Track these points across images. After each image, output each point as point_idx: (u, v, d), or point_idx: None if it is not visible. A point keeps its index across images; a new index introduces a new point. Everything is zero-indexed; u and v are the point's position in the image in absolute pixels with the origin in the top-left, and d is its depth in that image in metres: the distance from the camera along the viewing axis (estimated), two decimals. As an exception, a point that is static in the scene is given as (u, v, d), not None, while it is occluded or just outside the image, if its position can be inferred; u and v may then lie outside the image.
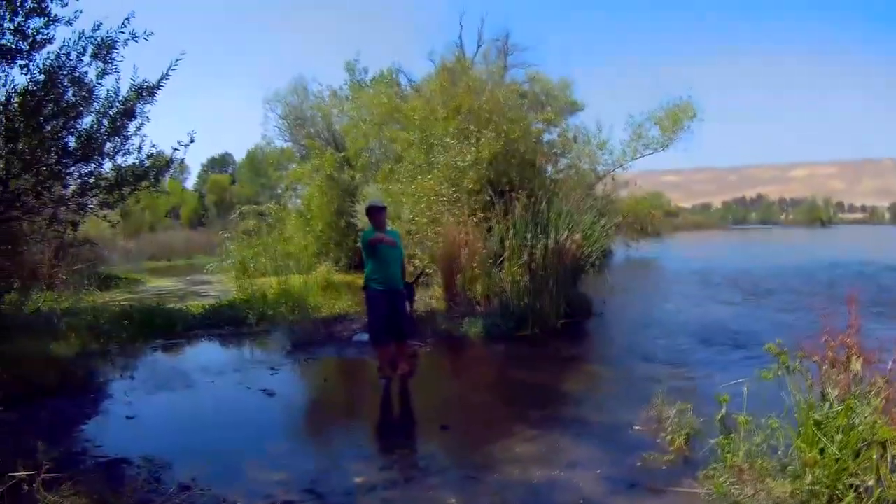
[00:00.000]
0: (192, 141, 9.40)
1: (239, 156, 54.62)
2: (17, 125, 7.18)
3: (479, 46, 24.09)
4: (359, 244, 8.54)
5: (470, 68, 16.00)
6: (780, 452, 4.79)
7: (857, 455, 4.23)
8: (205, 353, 9.94)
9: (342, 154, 18.83)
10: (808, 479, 4.34)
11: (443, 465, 5.36)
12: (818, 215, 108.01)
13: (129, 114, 8.30)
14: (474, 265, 11.38)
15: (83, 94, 7.73)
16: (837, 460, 4.24)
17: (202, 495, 4.61)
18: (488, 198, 12.53)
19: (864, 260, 26.62)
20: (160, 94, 8.63)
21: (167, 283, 18.12)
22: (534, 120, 16.53)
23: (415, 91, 17.20)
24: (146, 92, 8.36)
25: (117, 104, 8.12)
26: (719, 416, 5.22)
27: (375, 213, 7.92)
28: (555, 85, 19.98)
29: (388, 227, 8.45)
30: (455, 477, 5.07)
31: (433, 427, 6.39)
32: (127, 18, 7.80)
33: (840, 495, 4.17)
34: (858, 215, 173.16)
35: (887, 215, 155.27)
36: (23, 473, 4.23)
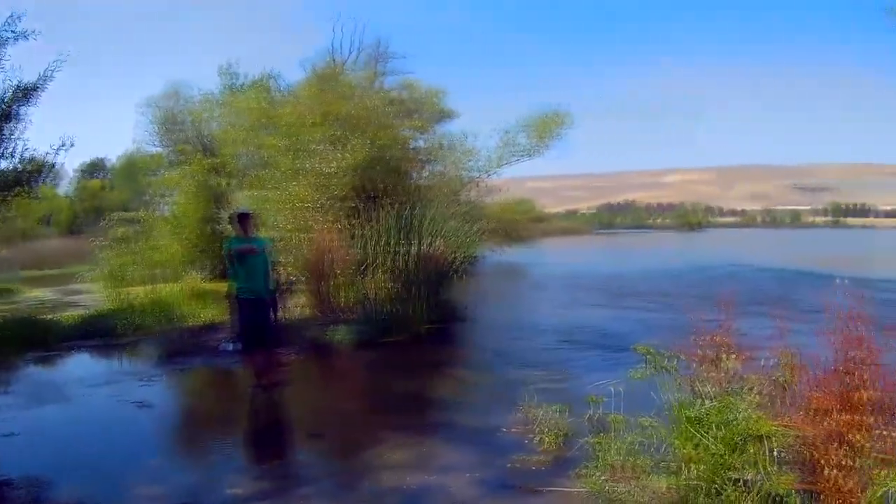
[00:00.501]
0: (71, 145, 9.11)
1: (113, 161, 52.77)
2: None
3: (353, 53, 24.10)
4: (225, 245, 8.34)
5: (341, 74, 15.99)
6: (653, 450, 4.87)
7: (735, 450, 4.34)
8: (79, 365, 9.75)
9: (213, 160, 18.37)
10: (686, 474, 4.43)
11: (316, 473, 5.41)
12: (689, 220, 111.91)
13: (6, 116, 7.91)
14: (340, 272, 11.34)
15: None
16: (715, 455, 4.32)
17: None
18: (355, 204, 12.55)
19: (732, 262, 27.91)
20: (41, 97, 8.29)
21: (41, 293, 17.80)
22: (403, 127, 16.60)
23: (287, 97, 17.04)
24: (24, 94, 7.98)
25: (-6, 106, 7.73)
26: (590, 416, 5.41)
27: (242, 220, 7.87)
28: (426, 93, 19.93)
29: (255, 235, 8.31)
30: (328, 486, 5.11)
31: (304, 435, 6.42)
32: (16, 17, 7.44)
33: (720, 489, 4.26)
34: (731, 219, 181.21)
35: (759, 219, 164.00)
36: None
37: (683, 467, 4.48)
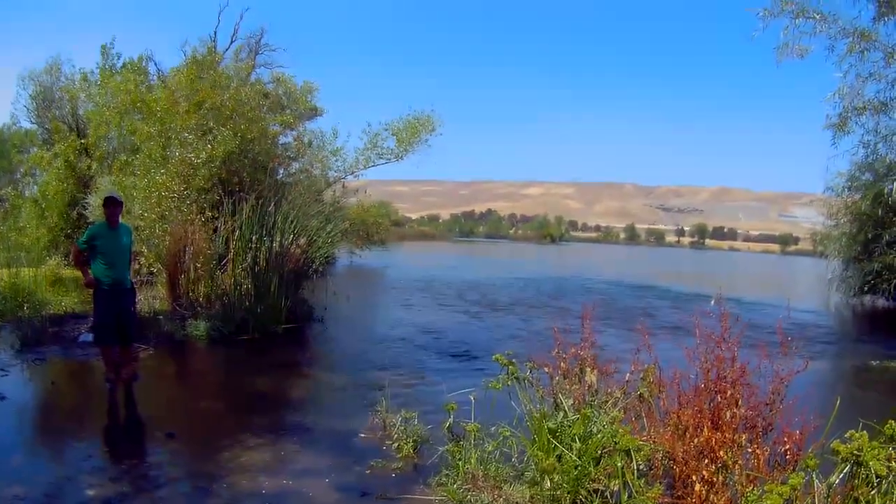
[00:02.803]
0: None
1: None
2: None
3: (232, 42, 22.85)
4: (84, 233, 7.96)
5: (219, 63, 15.65)
6: (514, 460, 4.93)
7: (597, 462, 4.38)
8: None
9: (83, 141, 17.71)
10: (548, 484, 4.42)
11: (172, 475, 5.18)
12: (549, 232, 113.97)
13: None
14: (198, 266, 10.92)
15: None
16: (577, 467, 4.34)
17: None
18: (218, 197, 12.10)
19: (591, 275, 28.79)
20: None
21: None
22: (272, 122, 16.28)
23: (162, 82, 16.55)
24: None
25: None
26: (447, 424, 5.26)
27: (110, 206, 7.46)
28: (298, 88, 19.67)
29: (121, 223, 7.89)
30: (185, 488, 4.93)
31: (160, 434, 6.10)
32: None
33: (583, 500, 4.30)
34: (592, 234, 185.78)
35: (622, 235, 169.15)
36: None
37: (545, 478, 4.49)
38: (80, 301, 11.80)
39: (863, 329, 17.63)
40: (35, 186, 19.64)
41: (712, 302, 5.02)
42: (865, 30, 12.03)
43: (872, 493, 3.40)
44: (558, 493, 4.39)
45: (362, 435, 6.21)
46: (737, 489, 3.98)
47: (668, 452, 4.29)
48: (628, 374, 5.11)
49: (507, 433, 4.99)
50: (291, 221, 11.38)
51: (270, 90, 18.05)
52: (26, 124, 22.86)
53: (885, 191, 12.15)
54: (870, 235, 16.84)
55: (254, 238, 10.85)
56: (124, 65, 19.12)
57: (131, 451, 5.77)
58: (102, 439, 6.28)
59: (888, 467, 3.39)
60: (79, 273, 8.78)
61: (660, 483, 4.18)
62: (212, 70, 14.37)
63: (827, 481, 3.65)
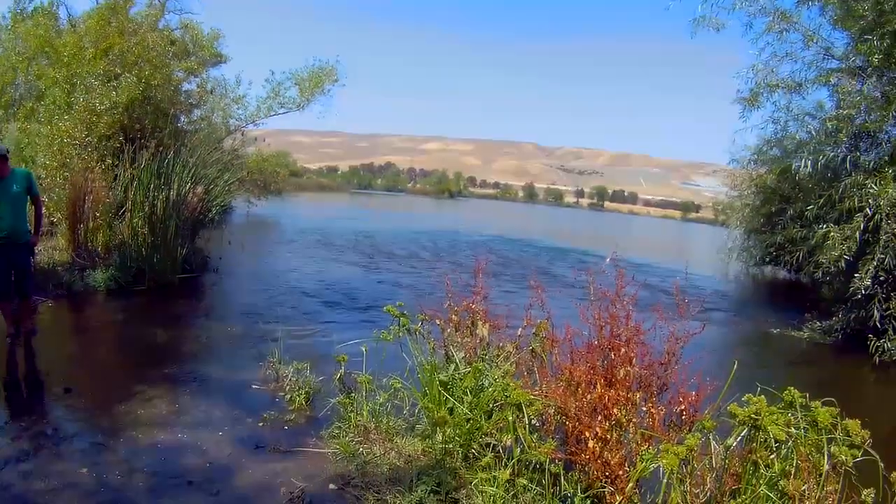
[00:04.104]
0: None
1: None
2: None
3: None
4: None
5: (131, 6, 15.23)
6: (406, 412, 5.04)
7: (489, 416, 4.45)
8: None
9: (-10, 88, 17.00)
10: (440, 437, 4.52)
11: (70, 431, 5.08)
12: (447, 187, 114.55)
13: None
14: (98, 215, 10.67)
15: None
16: (469, 420, 4.42)
17: None
18: (119, 145, 11.86)
19: (487, 231, 28.87)
20: None
21: None
22: (176, 68, 15.86)
23: (72, 26, 16.03)
24: None
25: None
26: (338, 375, 5.28)
27: None
28: (205, 35, 19.44)
29: (15, 169, 7.45)
30: (83, 444, 4.84)
31: (58, 389, 5.99)
32: None
33: (476, 454, 4.38)
34: (491, 191, 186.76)
35: (521, 193, 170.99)
36: None
37: (437, 431, 4.60)
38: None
39: (763, 298, 18.31)
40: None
41: (607, 260, 5.07)
42: (787, 11, 12.26)
43: (772, 457, 3.43)
44: (450, 446, 4.45)
45: (255, 387, 6.25)
46: (631, 447, 4.02)
47: (561, 408, 4.29)
48: (520, 329, 5.11)
49: (399, 385, 5.03)
50: (190, 169, 11.18)
51: (178, 37, 17.59)
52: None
53: (793, 167, 12.40)
54: (773, 209, 17.24)
55: (152, 186, 10.57)
56: (35, 9, 18.48)
57: (29, 408, 5.68)
58: (2, 397, 6.10)
59: (787, 433, 3.41)
60: None
61: (552, 438, 4.22)
62: (122, 15, 13.95)
63: (724, 443, 3.69)
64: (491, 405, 4.49)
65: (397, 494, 4.14)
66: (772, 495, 3.35)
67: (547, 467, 3.90)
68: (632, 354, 4.21)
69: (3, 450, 4.67)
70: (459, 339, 5.16)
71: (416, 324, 5.32)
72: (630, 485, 3.83)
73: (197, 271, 11.59)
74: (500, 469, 3.97)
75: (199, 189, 11.37)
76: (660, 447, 3.61)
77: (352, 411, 5.03)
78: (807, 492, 3.29)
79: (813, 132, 12.32)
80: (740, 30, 12.89)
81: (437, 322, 5.32)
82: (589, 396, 4.17)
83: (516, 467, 4.02)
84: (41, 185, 11.14)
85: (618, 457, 3.95)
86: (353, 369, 5.33)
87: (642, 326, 4.27)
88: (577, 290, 7.30)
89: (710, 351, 5.15)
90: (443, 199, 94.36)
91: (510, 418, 4.12)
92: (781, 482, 3.35)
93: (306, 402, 5.74)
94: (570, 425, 4.22)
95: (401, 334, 5.23)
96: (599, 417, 4.07)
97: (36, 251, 8.22)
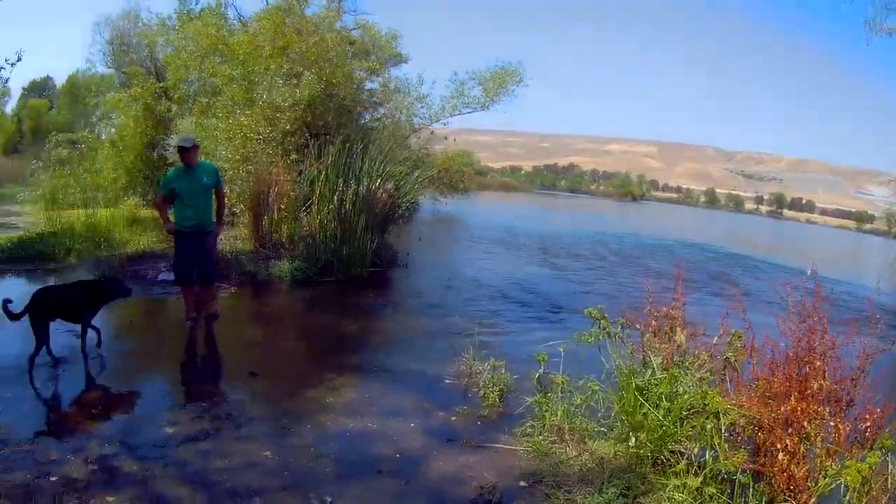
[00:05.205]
0: (19, 59, 8.75)
1: (60, 81, 51.24)
2: None
3: None
4: (163, 179, 7.97)
5: (305, 7, 15.68)
6: (600, 415, 4.98)
7: (683, 423, 4.38)
8: (11, 289, 8.83)
9: (161, 85, 17.78)
10: (632, 441, 4.51)
11: (254, 414, 5.21)
12: (630, 190, 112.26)
13: None
14: (282, 207, 11.09)
15: None
16: (662, 426, 4.36)
17: (17, 451, 4.29)
18: (303, 140, 12.27)
19: (673, 237, 28.21)
20: None
21: None
22: (357, 67, 16.25)
23: (243, 26, 16.65)
24: None
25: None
26: (537, 374, 5.31)
27: (182, 152, 7.42)
28: (383, 35, 19.39)
29: (199, 164, 7.81)
30: (267, 428, 4.96)
31: (242, 373, 6.20)
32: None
33: (664, 460, 4.36)
34: (672, 195, 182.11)
35: (702, 199, 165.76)
36: None
37: (631, 435, 4.56)
38: (159, 240, 11.95)
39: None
40: (112, 129, 19.88)
41: (808, 272, 4.93)
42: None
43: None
44: (641, 451, 4.43)
45: (447, 381, 6.30)
46: (816, 462, 3.95)
47: (754, 419, 4.23)
48: (716, 338, 5.01)
49: (596, 388, 5.00)
50: (378, 166, 11.39)
51: (356, 37, 18.00)
52: (102, 69, 23.12)
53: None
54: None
55: (340, 181, 10.90)
56: (202, 10, 19.30)
57: (212, 390, 5.88)
58: (182, 378, 6.39)
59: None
60: (157, 213, 8.81)
61: (743, 449, 4.16)
62: (298, 16, 14.39)
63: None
64: (684, 412, 4.43)
65: (587, 495, 4.15)
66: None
67: (737, 478, 3.93)
68: (825, 368, 4.16)
69: (182, 427, 4.84)
70: (657, 345, 5.10)
71: (616, 327, 5.27)
72: (813, 500, 3.83)
73: (385, 266, 11.80)
74: (689, 476, 4.00)
75: (389, 185, 11.57)
76: (844, 463, 3.66)
77: (546, 411, 5.07)
78: None
79: None
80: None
81: (637, 326, 5.26)
82: (783, 408, 4.13)
83: (706, 476, 4.02)
84: (223, 177, 11.58)
85: (803, 471, 3.91)
86: (549, 369, 5.35)
87: (837, 340, 4.18)
88: (767, 301, 6.98)
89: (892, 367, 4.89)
90: (625, 201, 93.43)
91: (708, 426, 4.14)
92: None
93: (499, 400, 5.74)
94: (762, 437, 4.20)
95: (601, 337, 5.20)
96: (790, 430, 4.04)
97: (218, 240, 8.61)
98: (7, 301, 5.88)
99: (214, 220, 7.89)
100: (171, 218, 7.64)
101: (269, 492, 4.04)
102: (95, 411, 5.10)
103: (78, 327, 6.40)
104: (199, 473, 4.18)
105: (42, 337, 5.98)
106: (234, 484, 4.07)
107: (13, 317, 5.89)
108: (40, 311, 5.99)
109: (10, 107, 48.84)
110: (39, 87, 53.85)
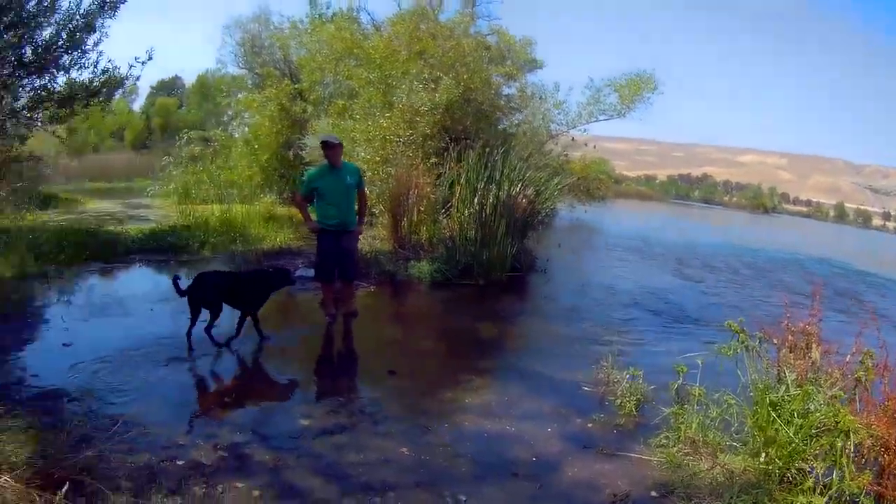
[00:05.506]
0: (149, 58, 9.19)
1: (189, 80, 53.08)
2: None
3: None
4: (303, 178, 8.21)
5: (439, 12, 16.00)
6: (733, 429, 4.93)
7: (813, 440, 4.31)
8: (143, 279, 9.62)
9: (296, 86, 18.38)
10: (762, 457, 4.48)
11: (391, 411, 5.33)
12: (762, 202, 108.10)
13: (89, 28, 8.12)
14: (422, 209, 11.39)
15: (45, 4, 7.55)
16: (793, 444, 4.31)
17: (145, 434, 4.44)
18: (442, 144, 12.58)
19: (808, 252, 27.12)
20: (122, 10, 8.49)
21: (106, 205, 17.28)
22: (494, 73, 16.43)
23: (377, 30, 17.06)
24: (109, 6, 8.18)
25: (78, 17, 7.93)
26: (675, 385, 5.39)
27: (328, 149, 7.52)
28: (517, 41, 19.54)
29: (346, 163, 8.12)
30: (404, 425, 5.06)
31: (379, 371, 6.37)
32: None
33: (792, 478, 4.31)
34: (803, 208, 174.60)
35: (832, 213, 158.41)
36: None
37: (761, 450, 4.51)
38: (296, 237, 12.34)
39: None
40: (245, 128, 20.61)
41: None
42: None
43: None
44: (770, 467, 4.42)
45: (585, 388, 6.29)
46: None
47: (882, 439, 4.16)
48: (849, 356, 4.93)
49: (732, 401, 4.99)
50: (519, 171, 11.57)
51: (491, 43, 18.20)
52: (233, 70, 23.90)
53: None
54: None
55: (480, 185, 11.08)
56: (334, 14, 19.82)
57: (349, 386, 6.09)
58: (318, 372, 6.60)
59: None
60: (294, 210, 8.92)
61: (869, 470, 4.10)
62: (430, 21, 14.67)
63: None
64: (814, 430, 4.36)
65: (716, 509, 4.16)
66: None
67: (861, 499, 3.90)
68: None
69: (318, 421, 5.00)
70: (793, 361, 5.03)
71: (753, 341, 5.22)
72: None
73: (524, 271, 11.85)
74: (814, 495, 3.99)
75: (529, 191, 11.70)
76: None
77: (682, 422, 5.08)
78: None
79: None
80: None
81: (774, 342, 5.22)
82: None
83: (832, 496, 3.98)
84: (364, 178, 11.95)
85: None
86: (686, 381, 5.37)
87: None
88: (889, 320, 6.74)
89: None
90: (758, 213, 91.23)
91: (838, 445, 4.10)
92: None
93: (636, 409, 5.73)
94: (887, 458, 4.13)
95: (739, 350, 5.17)
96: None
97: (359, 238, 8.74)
98: (177, 277, 6.38)
99: (356, 220, 8.04)
100: (312, 216, 7.92)
101: (402, 488, 4.13)
102: (228, 400, 5.36)
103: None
104: (332, 466, 4.32)
105: (196, 317, 6.44)
106: (369, 478, 4.18)
107: (182, 293, 6.35)
108: (201, 292, 6.43)
109: (139, 104, 51.03)
110: (168, 86, 55.89)
